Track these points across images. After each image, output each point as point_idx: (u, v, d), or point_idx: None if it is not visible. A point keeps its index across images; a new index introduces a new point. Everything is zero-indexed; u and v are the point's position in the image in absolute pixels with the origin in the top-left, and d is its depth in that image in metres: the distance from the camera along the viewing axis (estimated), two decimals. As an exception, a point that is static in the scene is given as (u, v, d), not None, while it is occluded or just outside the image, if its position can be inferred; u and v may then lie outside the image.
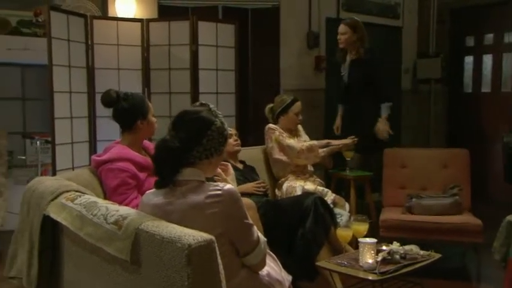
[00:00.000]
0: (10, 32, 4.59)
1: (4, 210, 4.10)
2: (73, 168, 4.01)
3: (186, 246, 1.40)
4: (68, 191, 1.97)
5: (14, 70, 4.81)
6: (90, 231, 1.70)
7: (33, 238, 1.97)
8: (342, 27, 4.02)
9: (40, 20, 4.61)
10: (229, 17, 4.84)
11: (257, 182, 3.21)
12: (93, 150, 4.20)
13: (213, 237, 1.46)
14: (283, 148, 3.44)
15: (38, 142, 4.52)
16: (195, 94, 4.29)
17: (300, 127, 3.67)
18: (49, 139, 4.19)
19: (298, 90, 4.46)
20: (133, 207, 2.16)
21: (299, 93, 3.88)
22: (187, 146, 1.72)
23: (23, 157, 4.70)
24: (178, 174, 1.71)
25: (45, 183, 2.12)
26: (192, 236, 1.44)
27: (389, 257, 2.32)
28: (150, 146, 2.64)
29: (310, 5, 5.11)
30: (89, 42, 4.15)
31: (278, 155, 3.47)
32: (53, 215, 1.87)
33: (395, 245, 2.44)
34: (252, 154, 3.61)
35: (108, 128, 4.07)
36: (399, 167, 3.85)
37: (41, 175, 4.42)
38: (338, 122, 4.33)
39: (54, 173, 3.84)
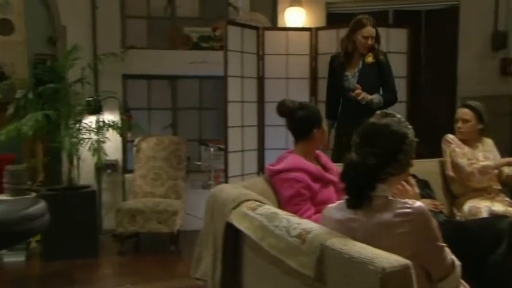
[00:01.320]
0: (192, 47, 5.02)
1: (183, 212, 4.46)
2: (243, 175, 4.18)
3: (380, 270, 1.28)
4: (248, 200, 2.00)
5: (193, 82, 5.24)
6: (272, 242, 1.69)
7: (217, 243, 2.04)
8: (372, 30, 3.53)
9: (217, 34, 4.95)
10: (400, 21, 4.60)
11: (432, 200, 2.96)
12: (261, 158, 4.33)
13: (409, 263, 1.31)
14: (455, 166, 3.11)
15: (211, 149, 4.83)
16: (363, 102, 4.14)
17: (489, 141, 3.26)
18: (221, 146, 4.44)
19: (480, 97, 4.00)
20: (306, 218, 2.12)
21: (480, 101, 3.47)
22: (384, 162, 1.61)
23: (199, 163, 5.06)
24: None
25: (226, 191, 2.18)
26: (386, 258, 1.31)
27: None
28: (321, 155, 2.60)
29: (498, 1, 4.61)
30: (260, 53, 4.30)
31: (450, 171, 3.17)
32: (236, 223, 1.91)
33: None
34: (424, 167, 3.31)
35: (275, 137, 4.19)
36: None
37: (213, 180, 4.71)
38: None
39: (226, 180, 4.04)
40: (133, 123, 4.73)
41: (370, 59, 3.60)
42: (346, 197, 1.67)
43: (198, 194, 4.75)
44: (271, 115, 3.80)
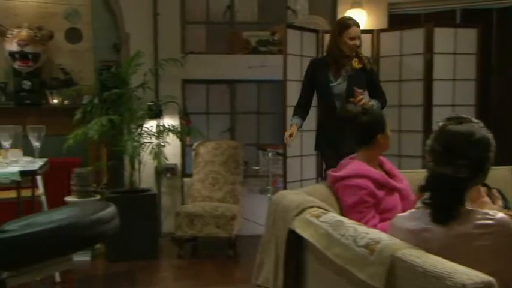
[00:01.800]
0: (250, 51, 5.03)
1: (240, 217, 4.44)
2: (301, 181, 4.11)
3: (459, 286, 1.18)
4: (311, 207, 1.94)
5: (251, 86, 5.24)
6: (338, 251, 1.62)
7: (278, 250, 2.00)
8: (358, 30, 3.36)
9: (275, 38, 4.92)
10: (469, 20, 4.38)
11: (508, 210, 2.75)
12: (320, 163, 4.25)
13: (493, 280, 1.21)
14: None
15: (269, 154, 4.78)
16: (428, 107, 3.99)
17: None
18: (279, 151, 4.39)
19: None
20: (371, 227, 2.04)
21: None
22: (474, 173, 1.52)
23: (256, 167, 5.04)
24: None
25: (288, 197, 2.13)
26: (466, 274, 1.22)
27: None
28: (386, 161, 2.50)
29: None
30: (320, 57, 4.21)
31: None
32: (299, 231, 1.86)
33: None
34: (495, 174, 3.08)
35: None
36: None
37: (271, 185, 4.67)
38: (294, 129, 3.46)
39: (285, 185, 3.99)
40: (192, 127, 4.78)
41: (356, 63, 3.43)
42: (420, 207, 1.56)
43: (255, 199, 4.73)
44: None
